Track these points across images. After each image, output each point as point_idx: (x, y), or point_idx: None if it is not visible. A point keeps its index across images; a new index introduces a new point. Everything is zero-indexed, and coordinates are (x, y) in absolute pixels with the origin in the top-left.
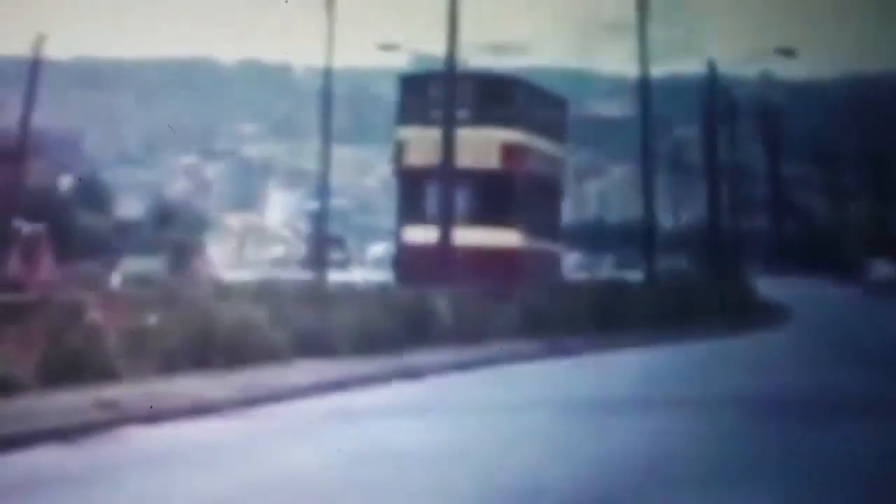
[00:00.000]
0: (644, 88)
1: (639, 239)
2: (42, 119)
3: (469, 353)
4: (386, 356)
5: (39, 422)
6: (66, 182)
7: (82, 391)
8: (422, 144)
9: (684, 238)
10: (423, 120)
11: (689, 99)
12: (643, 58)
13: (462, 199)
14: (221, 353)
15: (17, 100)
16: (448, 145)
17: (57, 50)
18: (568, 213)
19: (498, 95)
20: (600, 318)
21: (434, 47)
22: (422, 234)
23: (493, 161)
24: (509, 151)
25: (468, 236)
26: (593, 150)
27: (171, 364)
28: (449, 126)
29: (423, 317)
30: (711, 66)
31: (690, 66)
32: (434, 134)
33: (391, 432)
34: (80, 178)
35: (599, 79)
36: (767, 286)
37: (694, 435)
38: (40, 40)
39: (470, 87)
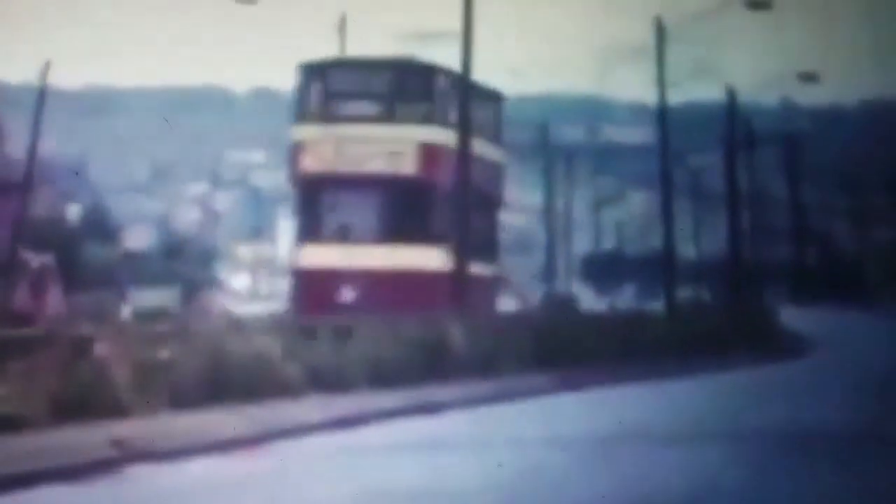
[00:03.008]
0: (662, 115)
1: (659, 269)
2: (49, 147)
3: (486, 386)
4: (401, 390)
5: (47, 460)
6: (73, 212)
7: (91, 428)
8: (322, 146)
9: (705, 268)
10: (325, 117)
11: (709, 126)
12: (661, 84)
13: (368, 212)
14: (234, 388)
15: (24, 128)
16: (464, 153)
17: (64, 77)
18: (585, 243)
19: (415, 87)
20: (620, 350)
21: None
22: (322, 255)
23: (408, 166)
24: (429, 153)
25: (376, 257)
26: (611, 178)
27: (183, 399)
28: (465, 133)
29: (439, 349)
30: (731, 93)
31: (709, 93)
32: (337, 133)
33: (405, 469)
34: (87, 208)
35: (616, 105)
36: (791, 316)
37: (720, 471)
38: (47, 67)
39: (380, 77)
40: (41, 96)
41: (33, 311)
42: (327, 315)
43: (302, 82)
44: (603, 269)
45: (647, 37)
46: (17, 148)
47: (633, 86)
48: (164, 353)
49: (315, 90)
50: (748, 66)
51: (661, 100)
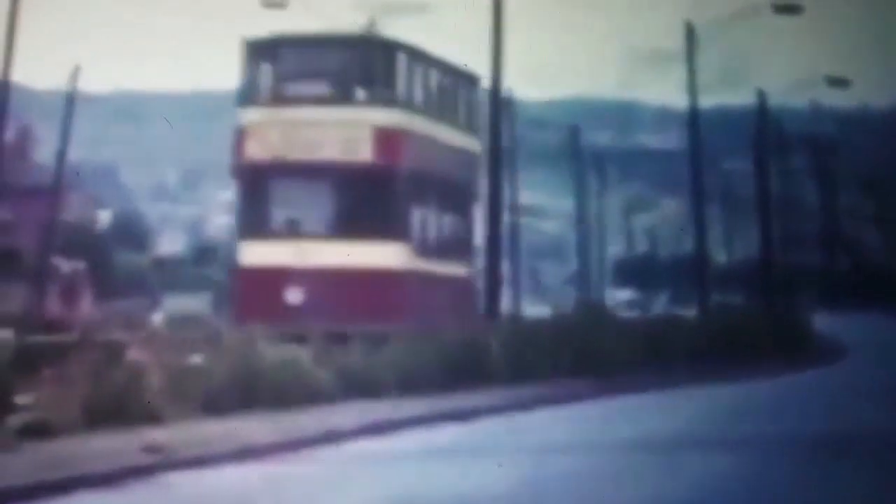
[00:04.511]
0: (693, 120)
1: (691, 274)
2: (79, 153)
3: (518, 393)
4: (433, 397)
5: (81, 466)
6: (103, 218)
7: (125, 434)
8: (269, 131)
9: (737, 273)
10: (273, 99)
11: (739, 130)
12: (692, 89)
13: (320, 204)
14: (266, 395)
15: (54, 133)
16: (495, 163)
17: (94, 83)
18: (617, 248)
19: (373, 65)
20: (653, 356)
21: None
22: (268, 252)
23: (364, 152)
24: (386, 139)
25: (328, 254)
26: (642, 183)
27: (215, 405)
28: (496, 143)
29: (472, 356)
30: (761, 97)
31: (739, 97)
32: (286, 116)
33: (438, 476)
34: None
35: (647, 110)
36: (821, 321)
37: (758, 480)
38: (77, 73)
39: (335, 54)
40: (70, 102)
41: (65, 318)
42: (272, 320)
43: (248, 61)
44: (635, 275)
45: (678, 41)
46: (46, 154)
47: (663, 91)
48: (196, 360)
49: (262, 70)
50: (777, 70)
51: (692, 107)
